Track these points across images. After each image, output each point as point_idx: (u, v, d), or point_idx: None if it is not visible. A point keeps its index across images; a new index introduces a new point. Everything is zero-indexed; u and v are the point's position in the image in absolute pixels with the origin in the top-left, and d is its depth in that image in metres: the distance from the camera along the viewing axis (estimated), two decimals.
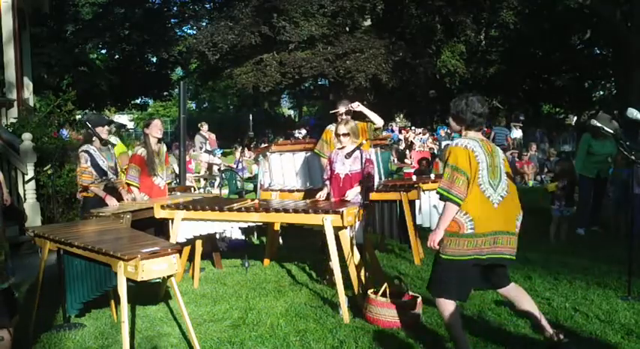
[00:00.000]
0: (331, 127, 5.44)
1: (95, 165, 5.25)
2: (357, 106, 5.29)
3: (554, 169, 7.25)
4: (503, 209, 3.18)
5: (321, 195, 4.86)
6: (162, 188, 5.65)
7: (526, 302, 3.35)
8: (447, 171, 3.17)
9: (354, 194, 4.60)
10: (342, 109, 5.35)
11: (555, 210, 6.58)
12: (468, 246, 3.12)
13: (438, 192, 3.20)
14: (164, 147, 5.79)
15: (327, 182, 4.88)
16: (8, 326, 2.96)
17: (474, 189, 3.12)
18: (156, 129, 5.59)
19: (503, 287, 3.37)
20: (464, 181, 3.10)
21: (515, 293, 3.38)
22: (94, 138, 5.34)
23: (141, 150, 5.53)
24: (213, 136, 14.58)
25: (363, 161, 4.53)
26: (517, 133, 16.54)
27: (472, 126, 3.26)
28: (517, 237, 3.27)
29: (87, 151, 5.25)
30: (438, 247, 3.19)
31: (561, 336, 3.30)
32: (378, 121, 5.32)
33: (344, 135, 4.67)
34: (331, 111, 5.57)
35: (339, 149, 4.80)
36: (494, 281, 3.35)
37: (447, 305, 3.20)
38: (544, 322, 3.34)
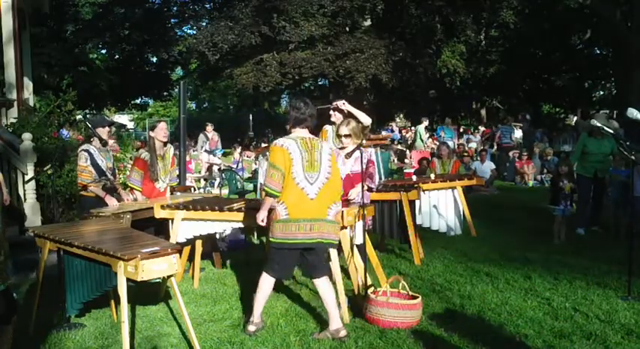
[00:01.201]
0: (327, 127, 5.47)
1: (95, 164, 5.25)
2: (343, 105, 5.27)
3: (554, 169, 7.21)
4: (320, 199, 3.62)
5: None
6: (163, 190, 5.66)
7: (326, 297, 3.71)
8: (267, 168, 3.66)
9: (357, 192, 4.59)
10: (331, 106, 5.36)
11: (559, 210, 6.56)
12: (285, 230, 3.59)
13: (263, 189, 3.64)
14: (171, 151, 5.78)
15: None
16: (7, 327, 2.95)
17: (289, 182, 3.58)
18: (162, 133, 5.59)
19: (314, 278, 3.76)
20: (278, 176, 3.59)
21: (320, 287, 3.73)
22: (94, 138, 5.35)
23: (144, 154, 5.54)
24: (216, 137, 14.58)
25: (364, 161, 4.52)
26: (517, 133, 16.55)
27: (297, 124, 3.73)
28: (334, 223, 3.72)
29: (87, 150, 5.26)
30: (262, 223, 3.74)
31: (341, 334, 3.62)
32: (366, 120, 5.30)
33: (345, 136, 4.66)
34: (318, 107, 5.58)
35: (340, 149, 4.79)
36: (309, 270, 3.78)
37: (266, 279, 3.73)
38: (334, 315, 3.68)
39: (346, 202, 4.50)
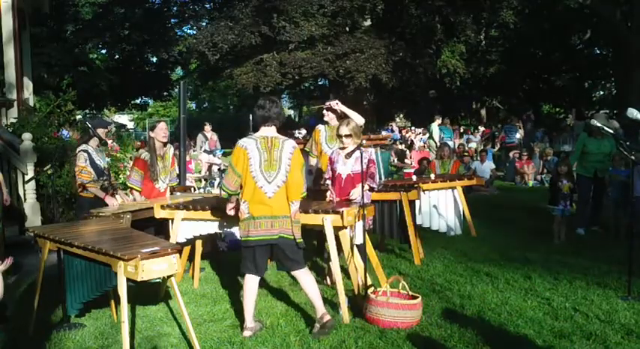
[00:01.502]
0: (320, 127, 5.59)
1: (93, 164, 5.25)
2: (337, 105, 5.36)
3: (553, 169, 7.22)
4: (279, 197, 3.72)
5: (329, 196, 4.82)
6: (163, 191, 5.66)
7: (307, 288, 3.85)
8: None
9: (358, 192, 4.59)
10: (324, 105, 5.49)
11: (559, 210, 6.56)
12: (249, 228, 3.74)
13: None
14: (171, 151, 5.77)
15: (329, 182, 4.86)
16: None
17: (248, 180, 3.71)
18: (161, 133, 5.57)
19: (290, 271, 3.91)
20: (232, 175, 3.74)
21: (300, 280, 3.89)
22: (92, 138, 5.36)
23: (144, 155, 5.52)
24: (215, 137, 14.56)
25: (365, 161, 4.52)
26: (518, 133, 16.51)
27: (262, 122, 3.83)
28: (294, 221, 3.80)
29: (85, 151, 5.26)
30: (232, 213, 3.94)
31: (325, 319, 3.75)
32: (359, 120, 5.35)
33: (346, 136, 4.66)
34: (312, 107, 5.68)
35: (340, 149, 4.79)
36: (283, 264, 3.89)
37: (248, 279, 3.84)
38: (318, 305, 3.81)
39: (347, 202, 4.51)
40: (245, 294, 3.86)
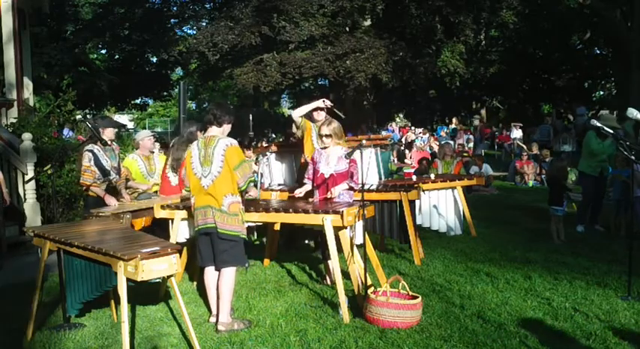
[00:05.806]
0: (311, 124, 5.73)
1: (98, 164, 5.25)
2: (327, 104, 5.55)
3: (557, 169, 7.22)
4: (214, 190, 3.92)
5: (301, 192, 4.87)
6: (174, 185, 5.66)
7: (223, 288, 3.94)
8: None
9: (339, 190, 4.63)
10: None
11: (560, 210, 6.56)
12: (194, 219, 4.04)
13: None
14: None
15: (309, 181, 4.91)
16: None
17: (191, 175, 4.03)
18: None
19: (219, 267, 3.97)
20: (186, 173, 4.12)
21: (222, 277, 3.96)
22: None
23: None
24: None
25: (347, 160, 4.60)
26: (517, 133, 16.54)
27: (209, 124, 4.09)
28: (232, 215, 3.92)
29: (91, 150, 5.26)
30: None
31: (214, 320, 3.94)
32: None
33: (326, 136, 4.70)
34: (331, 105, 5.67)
35: (322, 149, 4.81)
36: (215, 258, 3.98)
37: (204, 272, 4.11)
38: (223, 310, 3.92)
39: (327, 200, 4.56)
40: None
